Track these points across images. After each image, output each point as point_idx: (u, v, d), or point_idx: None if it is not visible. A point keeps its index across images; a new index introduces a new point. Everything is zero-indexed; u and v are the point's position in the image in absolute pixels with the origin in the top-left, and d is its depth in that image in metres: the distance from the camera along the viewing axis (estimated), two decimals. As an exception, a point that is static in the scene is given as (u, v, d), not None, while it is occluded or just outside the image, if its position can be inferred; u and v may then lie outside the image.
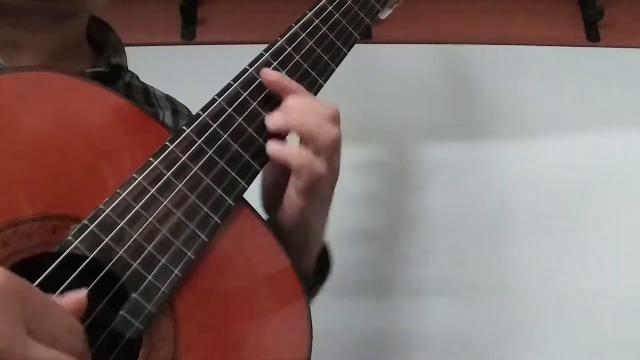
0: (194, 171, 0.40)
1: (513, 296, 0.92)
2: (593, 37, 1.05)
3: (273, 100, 0.43)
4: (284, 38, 0.44)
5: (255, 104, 0.42)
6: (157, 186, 0.38)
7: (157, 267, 0.37)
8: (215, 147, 0.41)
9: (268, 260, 0.42)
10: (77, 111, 0.38)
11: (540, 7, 1.06)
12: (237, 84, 0.42)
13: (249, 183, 0.42)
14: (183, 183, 0.39)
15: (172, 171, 0.39)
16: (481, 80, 1.02)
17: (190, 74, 0.93)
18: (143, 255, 0.36)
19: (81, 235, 0.35)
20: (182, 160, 0.39)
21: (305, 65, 0.45)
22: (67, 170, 0.36)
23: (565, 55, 1.04)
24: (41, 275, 0.33)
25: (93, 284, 0.34)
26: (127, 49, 0.54)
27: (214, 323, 0.39)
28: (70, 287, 0.33)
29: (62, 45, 0.46)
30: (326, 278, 0.52)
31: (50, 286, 0.33)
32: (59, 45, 0.46)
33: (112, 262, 0.35)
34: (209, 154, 0.40)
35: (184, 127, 0.40)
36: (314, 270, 0.49)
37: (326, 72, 0.46)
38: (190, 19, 1.00)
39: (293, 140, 0.43)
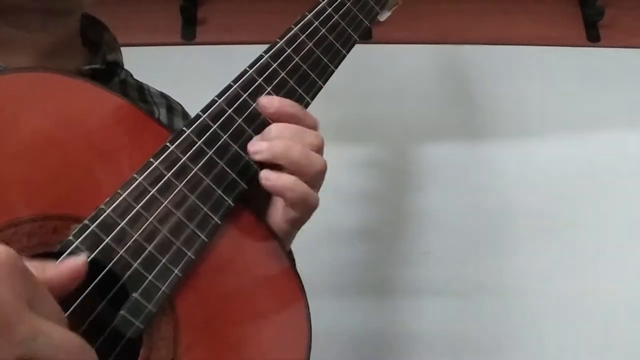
0: (193, 171, 0.40)
1: (513, 296, 0.92)
2: (593, 37, 1.05)
3: None
4: (284, 39, 0.44)
5: (254, 105, 0.43)
6: (157, 186, 0.38)
7: (157, 267, 0.37)
8: (215, 147, 0.41)
9: (267, 260, 0.42)
10: (76, 111, 0.38)
11: (540, 7, 1.06)
12: (236, 85, 0.42)
13: (249, 184, 0.42)
14: (183, 183, 0.39)
15: (172, 171, 0.39)
16: (481, 80, 1.02)
17: (190, 74, 0.93)
18: (143, 255, 0.37)
19: (82, 235, 0.35)
20: (182, 161, 0.39)
21: (305, 67, 0.45)
22: (67, 170, 0.36)
23: (565, 55, 1.04)
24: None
25: (93, 284, 0.35)
26: (127, 49, 0.54)
27: (213, 323, 0.39)
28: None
29: (56, 43, 0.47)
30: None
31: (50, 286, 0.33)
32: (52, 43, 0.46)
33: (113, 261, 0.36)
34: (208, 155, 0.40)
35: (184, 128, 0.40)
36: None
37: (325, 74, 0.46)
38: (190, 19, 1.00)
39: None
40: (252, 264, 0.41)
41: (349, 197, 0.93)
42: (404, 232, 0.95)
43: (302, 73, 0.44)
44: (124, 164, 0.38)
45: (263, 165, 0.42)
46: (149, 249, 0.37)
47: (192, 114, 0.42)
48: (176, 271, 0.37)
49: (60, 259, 0.34)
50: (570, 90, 1.02)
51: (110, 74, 0.50)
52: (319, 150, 0.42)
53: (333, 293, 0.90)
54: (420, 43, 1.03)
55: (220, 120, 0.41)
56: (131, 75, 0.54)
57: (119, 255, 0.36)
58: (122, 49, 0.53)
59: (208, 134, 0.41)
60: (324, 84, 0.45)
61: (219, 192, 0.40)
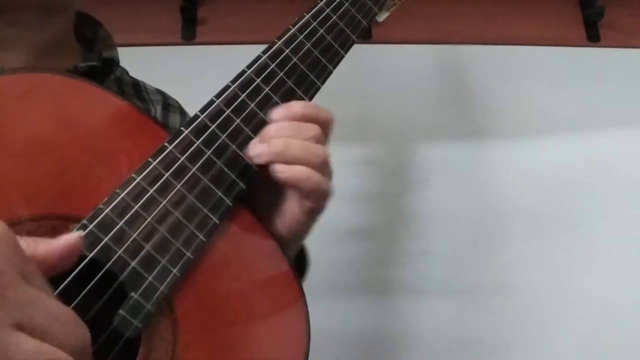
0: (192, 171, 0.40)
1: (512, 296, 0.92)
2: (593, 37, 1.05)
3: (271, 102, 0.44)
4: (282, 40, 0.44)
5: (253, 105, 0.43)
6: (155, 186, 0.38)
7: (156, 267, 0.37)
8: (214, 147, 0.41)
9: (266, 261, 0.42)
10: (75, 112, 0.38)
11: (540, 7, 1.06)
12: (235, 85, 0.42)
13: (248, 184, 0.42)
14: (181, 183, 0.39)
15: (170, 171, 0.39)
16: (481, 80, 1.02)
17: (190, 74, 0.93)
18: (142, 255, 0.37)
19: (80, 235, 0.35)
20: (180, 161, 0.39)
21: (303, 67, 0.45)
22: (65, 170, 0.36)
23: (565, 55, 1.04)
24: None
25: (92, 283, 0.35)
26: (127, 49, 0.54)
27: (212, 323, 0.39)
28: (68, 287, 0.33)
29: (51, 41, 0.47)
30: (303, 276, 0.52)
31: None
32: (48, 41, 0.46)
33: (111, 261, 0.36)
34: (207, 155, 0.40)
35: (182, 128, 0.40)
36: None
37: (323, 74, 0.46)
38: (190, 19, 1.00)
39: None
40: (250, 264, 0.41)
41: (348, 196, 0.93)
42: (403, 231, 0.95)
43: (301, 73, 0.45)
44: (122, 164, 0.38)
45: (263, 165, 0.42)
46: (148, 248, 0.37)
47: (192, 114, 0.42)
48: (175, 271, 0.37)
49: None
50: (570, 90, 1.02)
51: (107, 71, 0.50)
52: (320, 140, 0.42)
53: (332, 293, 0.90)
54: (421, 43, 1.03)
55: (219, 120, 0.41)
56: (127, 72, 0.54)
57: (117, 255, 0.36)
58: (122, 49, 0.53)
59: (206, 134, 0.41)
60: (322, 84, 0.46)
61: (218, 192, 0.40)
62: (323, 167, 0.42)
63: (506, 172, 0.98)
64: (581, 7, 1.06)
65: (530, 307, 0.92)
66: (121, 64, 0.53)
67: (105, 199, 0.36)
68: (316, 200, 0.42)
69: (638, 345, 0.91)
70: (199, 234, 0.39)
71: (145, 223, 0.37)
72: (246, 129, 0.42)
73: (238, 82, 0.42)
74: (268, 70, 0.43)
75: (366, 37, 0.99)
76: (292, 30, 0.45)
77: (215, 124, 0.41)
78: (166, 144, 0.39)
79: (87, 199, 0.36)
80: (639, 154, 1.00)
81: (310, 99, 0.45)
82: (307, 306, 0.42)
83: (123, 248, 0.36)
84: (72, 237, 0.31)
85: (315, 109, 0.43)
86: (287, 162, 0.40)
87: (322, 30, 0.46)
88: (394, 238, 0.95)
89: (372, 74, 1.00)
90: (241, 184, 0.42)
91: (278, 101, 0.43)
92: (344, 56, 0.47)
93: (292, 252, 0.46)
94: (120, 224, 0.36)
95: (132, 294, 0.36)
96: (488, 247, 0.95)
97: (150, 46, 0.97)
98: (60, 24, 0.48)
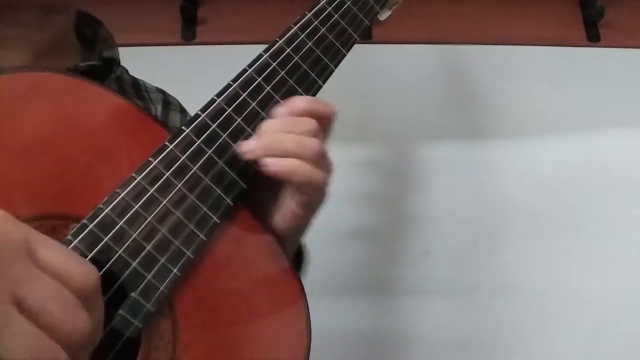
0: (192, 171, 0.40)
1: (512, 296, 0.92)
2: (593, 37, 1.05)
3: (272, 101, 0.43)
4: (283, 39, 0.44)
5: (254, 103, 0.43)
6: (156, 186, 0.38)
7: (156, 266, 0.37)
8: (214, 146, 0.41)
9: (267, 260, 0.42)
10: (75, 111, 0.38)
11: (540, 7, 1.06)
12: (236, 84, 0.42)
13: (248, 183, 0.42)
14: (182, 182, 0.39)
15: (171, 171, 0.39)
16: (481, 80, 1.02)
17: (190, 74, 0.93)
18: (142, 255, 0.37)
19: (80, 235, 0.35)
20: (181, 160, 0.39)
21: (304, 66, 0.45)
22: (65, 169, 0.36)
23: (565, 55, 1.04)
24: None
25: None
26: (127, 49, 0.54)
27: (212, 322, 0.39)
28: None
29: (52, 40, 0.47)
30: (300, 272, 0.52)
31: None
32: (48, 40, 0.46)
33: (111, 261, 0.36)
34: (207, 154, 0.40)
35: (183, 127, 0.40)
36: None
37: (325, 73, 0.46)
38: (190, 19, 1.00)
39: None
40: (251, 264, 0.41)
41: (348, 196, 0.93)
42: (403, 231, 0.95)
43: (302, 72, 0.44)
44: (123, 163, 0.38)
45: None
46: (148, 248, 0.37)
47: (192, 114, 0.42)
48: (175, 270, 0.37)
49: None
50: (570, 90, 1.02)
51: (107, 71, 0.50)
52: (316, 133, 0.42)
53: (332, 293, 0.90)
54: (421, 43, 1.03)
55: (220, 120, 0.41)
56: (127, 71, 0.54)
57: (117, 254, 0.36)
58: (123, 49, 0.53)
59: (207, 133, 0.41)
60: (323, 83, 0.45)
61: (218, 191, 0.40)
62: (317, 160, 0.41)
63: (506, 172, 0.98)
64: (581, 7, 1.06)
65: (530, 307, 0.92)
66: (121, 63, 0.53)
67: (106, 199, 0.36)
68: (310, 193, 0.41)
69: (638, 345, 0.91)
70: (199, 234, 0.39)
71: (146, 223, 0.37)
72: (247, 128, 0.42)
73: (239, 81, 0.42)
74: (269, 69, 0.43)
75: (366, 37, 0.99)
76: (293, 29, 0.45)
77: (216, 123, 0.41)
78: (167, 143, 0.39)
79: (87, 199, 0.36)
80: (639, 154, 1.00)
81: (311, 98, 0.45)
82: (307, 305, 0.42)
83: (123, 248, 0.36)
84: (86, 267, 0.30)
85: (316, 102, 0.43)
86: (277, 156, 0.40)
87: (323, 29, 0.46)
88: (394, 238, 0.95)
89: (372, 74, 1.00)
90: (242, 184, 0.41)
91: (279, 100, 0.43)
92: (345, 55, 0.46)
93: (292, 247, 0.46)
94: (121, 223, 0.36)
95: (132, 293, 0.36)
96: (488, 247, 0.95)
97: (150, 46, 0.97)
98: (60, 23, 0.47)
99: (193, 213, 0.39)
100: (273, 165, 0.40)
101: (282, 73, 0.44)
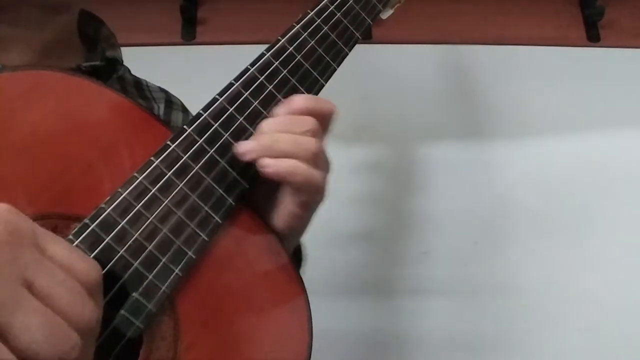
0: (194, 170, 0.39)
1: (513, 296, 0.92)
2: (593, 37, 1.05)
3: (274, 100, 0.43)
4: (285, 37, 0.44)
5: (256, 103, 0.42)
6: (157, 185, 0.38)
7: (158, 267, 0.37)
8: (216, 146, 0.40)
9: (268, 260, 0.42)
10: (76, 110, 0.38)
11: (540, 7, 1.06)
12: (238, 83, 0.42)
13: (250, 183, 0.42)
14: (184, 182, 0.39)
15: (172, 170, 0.39)
16: (481, 80, 1.02)
17: (190, 74, 0.93)
18: (144, 255, 0.36)
19: (82, 234, 0.35)
20: (183, 160, 0.39)
21: (307, 65, 0.44)
22: (67, 169, 0.36)
23: (565, 55, 1.04)
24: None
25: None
26: (128, 49, 0.54)
27: (214, 322, 0.39)
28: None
29: (53, 40, 0.46)
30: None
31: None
32: (50, 40, 0.46)
33: (113, 261, 0.35)
34: (209, 153, 0.40)
35: (185, 127, 0.40)
36: None
37: (327, 72, 0.45)
38: (190, 19, 1.00)
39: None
40: (253, 264, 0.41)
41: (348, 196, 0.93)
42: (403, 231, 0.95)
43: (304, 71, 0.44)
44: (124, 162, 0.38)
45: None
46: (150, 248, 0.37)
47: (194, 114, 0.42)
48: (177, 271, 0.37)
49: None
50: (570, 90, 1.02)
51: (110, 71, 0.49)
52: (315, 133, 0.41)
53: (333, 293, 0.90)
54: (421, 43, 1.03)
55: (222, 119, 0.41)
56: (129, 71, 0.54)
57: (119, 254, 0.36)
58: (123, 49, 0.53)
59: (209, 132, 0.40)
60: (326, 82, 0.45)
61: (220, 191, 0.40)
62: (315, 160, 0.41)
63: (506, 172, 0.98)
64: (581, 7, 1.06)
65: (530, 307, 0.92)
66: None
67: (107, 198, 0.36)
68: (308, 193, 0.41)
69: (638, 345, 0.91)
70: (201, 234, 0.39)
71: (148, 222, 0.37)
72: (249, 127, 0.42)
73: (241, 79, 0.42)
74: (271, 68, 0.43)
75: (366, 37, 0.99)
76: (295, 28, 0.45)
77: (218, 122, 0.41)
78: (169, 142, 0.39)
79: (89, 198, 0.36)
80: (638, 154, 1.00)
81: (313, 97, 0.45)
82: (309, 305, 0.42)
83: (125, 248, 0.36)
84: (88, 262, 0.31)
85: (316, 100, 0.43)
86: (275, 157, 0.40)
87: (326, 28, 0.45)
88: (394, 238, 0.95)
89: (372, 74, 1.00)
90: (244, 183, 0.41)
91: (281, 99, 0.43)
92: (347, 54, 0.46)
93: (291, 247, 0.46)
94: (122, 223, 0.36)
95: (134, 294, 0.35)
96: (488, 247, 0.95)
97: (150, 46, 0.97)
98: (62, 23, 0.47)
99: (195, 213, 0.39)
100: (271, 166, 0.40)
101: (285, 72, 0.43)
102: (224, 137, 0.41)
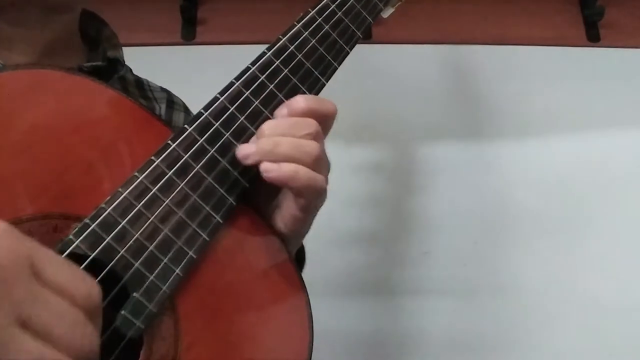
0: (195, 170, 0.39)
1: (513, 296, 0.92)
2: (593, 37, 1.05)
3: (275, 99, 0.43)
4: (287, 36, 0.44)
5: (257, 102, 0.42)
6: (158, 185, 0.38)
7: (159, 267, 0.37)
8: (217, 145, 0.40)
9: (269, 260, 0.42)
10: (77, 109, 0.38)
11: (540, 7, 1.06)
12: (239, 82, 0.42)
13: (252, 182, 0.42)
14: (184, 182, 0.39)
15: (173, 170, 0.38)
16: (481, 80, 1.02)
17: (190, 74, 0.93)
18: (144, 255, 0.36)
19: (82, 234, 0.35)
20: (183, 159, 0.39)
21: (308, 64, 0.44)
22: (67, 168, 0.36)
23: (565, 55, 1.04)
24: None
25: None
26: (128, 49, 0.53)
27: (214, 322, 0.38)
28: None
29: (55, 40, 0.46)
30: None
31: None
32: (51, 40, 0.46)
33: (113, 261, 0.35)
34: (210, 153, 0.40)
35: (186, 126, 0.40)
36: None
37: (328, 71, 0.45)
38: (190, 19, 1.00)
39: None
40: (254, 264, 0.41)
41: (348, 197, 0.93)
42: (404, 232, 0.95)
43: (305, 70, 0.44)
44: (125, 162, 0.38)
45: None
46: (150, 248, 0.37)
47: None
48: (177, 271, 0.37)
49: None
50: (570, 90, 1.02)
51: (112, 71, 0.49)
52: (316, 136, 0.41)
53: (333, 293, 0.90)
54: (421, 43, 1.03)
55: (223, 118, 0.41)
56: (130, 71, 0.54)
57: (119, 254, 0.35)
58: (122, 49, 0.52)
59: (210, 131, 0.40)
60: (327, 81, 0.45)
61: (221, 190, 0.40)
62: (316, 164, 0.41)
63: (506, 172, 0.98)
64: (581, 7, 1.06)
65: (531, 307, 0.92)
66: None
67: (108, 198, 0.36)
68: (309, 197, 0.41)
69: (638, 345, 0.91)
70: (202, 234, 0.39)
71: (148, 222, 0.37)
72: (250, 126, 0.42)
73: (242, 79, 0.42)
74: (272, 67, 0.43)
75: (366, 37, 0.99)
76: (297, 27, 0.44)
77: (219, 122, 0.41)
78: (169, 141, 0.39)
79: (89, 198, 0.36)
80: (638, 154, 1.00)
81: (315, 96, 0.44)
82: (310, 306, 0.42)
83: (125, 248, 0.36)
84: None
85: (317, 101, 0.42)
86: (276, 161, 0.39)
87: (327, 27, 0.45)
88: (394, 238, 0.95)
89: (372, 74, 1.00)
90: (245, 183, 0.41)
91: (282, 98, 0.43)
92: (349, 53, 0.46)
93: (293, 249, 0.46)
94: (123, 223, 0.36)
95: (135, 294, 0.35)
96: (488, 247, 0.95)
97: (150, 46, 0.97)
98: (63, 23, 0.47)
99: (196, 213, 0.39)
100: (272, 171, 0.39)
101: (286, 71, 0.43)
102: (225, 137, 0.41)
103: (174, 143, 0.39)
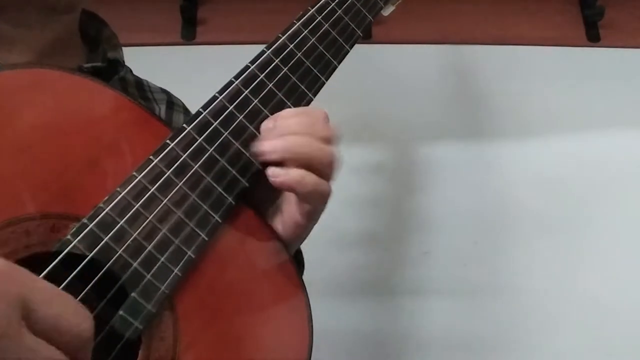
0: (194, 169, 0.39)
1: (513, 296, 0.92)
2: (593, 37, 1.05)
3: (275, 98, 0.43)
4: (286, 35, 0.44)
5: (256, 101, 0.42)
6: (157, 184, 0.37)
7: (157, 266, 0.36)
8: (216, 144, 0.40)
9: (269, 260, 0.42)
10: (76, 108, 0.37)
11: (540, 7, 1.06)
12: (238, 81, 0.42)
13: (250, 182, 0.41)
14: (183, 181, 0.39)
15: (172, 169, 0.38)
16: (481, 80, 1.02)
17: (190, 74, 0.93)
18: (143, 255, 0.36)
19: (80, 234, 0.34)
20: (182, 159, 0.39)
21: (307, 63, 0.44)
22: (66, 168, 0.36)
23: (565, 55, 1.04)
24: (39, 274, 0.32)
25: (92, 283, 0.34)
26: (128, 49, 0.53)
27: (213, 322, 0.38)
28: (68, 287, 0.33)
29: (55, 40, 0.46)
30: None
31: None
32: (50, 40, 0.46)
33: (111, 261, 0.35)
34: (209, 152, 0.40)
35: (185, 125, 0.40)
36: None
37: (328, 69, 0.45)
38: (190, 19, 1.00)
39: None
40: (253, 264, 0.41)
41: (348, 197, 0.93)
42: (404, 232, 0.95)
43: (305, 69, 0.44)
44: (124, 161, 0.37)
45: (265, 162, 0.41)
46: (149, 248, 0.36)
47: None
48: (176, 271, 0.37)
49: (58, 259, 0.33)
50: (570, 90, 1.02)
51: (112, 72, 0.49)
52: (329, 141, 0.41)
53: (333, 293, 0.90)
54: (420, 43, 1.03)
55: (222, 117, 0.41)
56: (130, 71, 0.53)
57: (117, 254, 0.35)
58: (122, 49, 0.52)
59: (209, 131, 0.40)
60: (326, 80, 0.45)
61: (220, 190, 0.40)
62: (327, 168, 0.41)
63: (506, 172, 0.98)
64: (581, 7, 1.06)
65: (531, 307, 0.92)
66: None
67: (106, 198, 0.36)
68: (314, 202, 0.41)
69: (639, 345, 0.91)
70: (200, 233, 0.38)
71: (146, 222, 0.37)
72: (250, 126, 0.41)
73: (241, 77, 0.42)
74: (272, 66, 0.43)
75: (366, 37, 0.99)
76: (296, 25, 0.44)
77: (218, 121, 0.40)
78: (168, 141, 0.39)
79: (87, 197, 0.36)
80: (639, 154, 1.00)
81: (314, 95, 0.44)
82: (310, 306, 0.41)
83: (124, 247, 0.36)
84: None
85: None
86: (295, 160, 0.39)
87: (326, 25, 0.45)
88: (395, 238, 0.95)
89: (372, 74, 1.00)
90: (244, 182, 0.41)
91: (282, 97, 0.43)
92: (349, 51, 0.46)
93: (292, 251, 0.46)
94: (121, 223, 0.36)
95: (133, 294, 0.35)
96: (488, 247, 0.95)
97: (150, 46, 0.97)
98: (63, 23, 0.47)
99: (194, 212, 0.38)
100: (280, 176, 0.39)
101: (285, 69, 0.43)
102: (224, 136, 0.41)
103: (172, 142, 0.39)
